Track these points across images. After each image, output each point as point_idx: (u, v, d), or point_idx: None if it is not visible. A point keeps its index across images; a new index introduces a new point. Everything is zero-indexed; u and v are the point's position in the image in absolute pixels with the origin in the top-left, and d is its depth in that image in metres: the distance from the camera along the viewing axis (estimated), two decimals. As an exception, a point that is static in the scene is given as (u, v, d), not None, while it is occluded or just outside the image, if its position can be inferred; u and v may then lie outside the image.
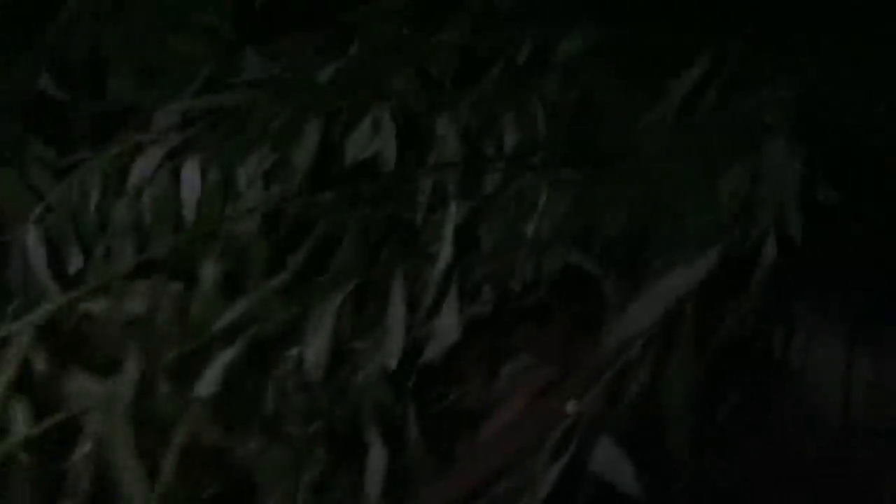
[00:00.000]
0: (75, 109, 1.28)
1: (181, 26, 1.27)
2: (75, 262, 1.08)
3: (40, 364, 0.92)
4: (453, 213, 1.07)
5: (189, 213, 1.07)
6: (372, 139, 1.12)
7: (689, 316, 1.08)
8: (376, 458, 1.07)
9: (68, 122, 1.29)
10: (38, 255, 1.06)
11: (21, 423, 0.88)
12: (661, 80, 1.19)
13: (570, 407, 1.14)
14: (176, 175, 1.09)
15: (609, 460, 1.09)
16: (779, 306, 1.16)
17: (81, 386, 0.93)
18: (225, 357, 0.94)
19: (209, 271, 0.98)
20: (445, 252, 1.07)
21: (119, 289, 0.96)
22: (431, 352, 1.07)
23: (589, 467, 1.10)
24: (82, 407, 0.92)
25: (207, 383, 0.94)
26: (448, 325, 1.07)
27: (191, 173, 1.09)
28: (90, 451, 0.90)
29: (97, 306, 0.95)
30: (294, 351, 1.00)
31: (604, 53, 1.21)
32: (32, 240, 1.07)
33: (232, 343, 0.95)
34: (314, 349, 1.01)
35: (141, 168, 1.08)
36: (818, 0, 1.16)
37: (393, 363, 1.06)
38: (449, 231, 1.07)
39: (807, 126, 1.12)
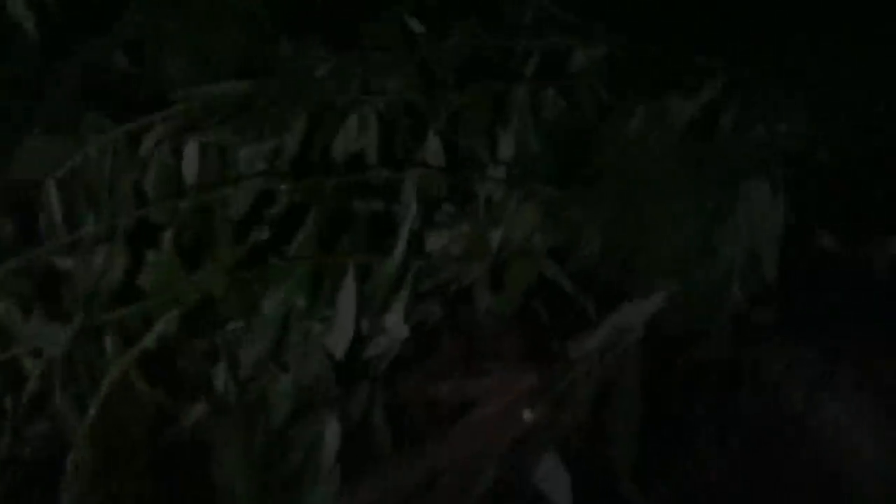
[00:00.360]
0: (137, 86, 1.43)
1: (233, 14, 1.38)
2: (89, 222, 1.21)
3: (4, 308, 1.05)
4: (412, 212, 1.09)
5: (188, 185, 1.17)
6: (357, 136, 1.16)
7: (636, 347, 1.04)
8: (331, 433, 1.12)
9: (130, 98, 1.44)
10: (55, 212, 1.20)
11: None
12: (665, 102, 1.14)
13: (526, 416, 1.15)
14: (178, 152, 1.19)
15: (548, 471, 1.08)
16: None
17: (40, 331, 1.05)
18: (168, 319, 1.03)
19: (169, 240, 1.07)
20: (399, 251, 1.09)
21: (85, 248, 1.08)
22: (377, 347, 1.10)
23: (530, 476, 1.10)
24: (33, 348, 1.05)
25: (148, 341, 1.03)
26: (395, 322, 1.09)
27: (191, 152, 1.19)
28: (32, 388, 1.03)
29: (66, 263, 1.07)
30: (240, 324, 1.07)
31: (612, 69, 1.18)
32: (53, 198, 1.21)
33: (179, 307, 1.03)
34: (264, 324, 1.08)
35: (147, 144, 1.19)
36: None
37: (339, 352, 1.10)
38: (405, 230, 1.09)
39: (801, 171, 1.04)
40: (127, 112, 1.37)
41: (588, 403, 1.05)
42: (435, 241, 1.12)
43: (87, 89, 1.43)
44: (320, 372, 1.12)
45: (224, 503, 1.10)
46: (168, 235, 1.07)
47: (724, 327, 1.02)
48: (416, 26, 1.23)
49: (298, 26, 1.33)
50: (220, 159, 1.19)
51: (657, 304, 1.02)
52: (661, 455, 1.12)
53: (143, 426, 1.04)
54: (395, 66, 1.18)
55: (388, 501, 1.19)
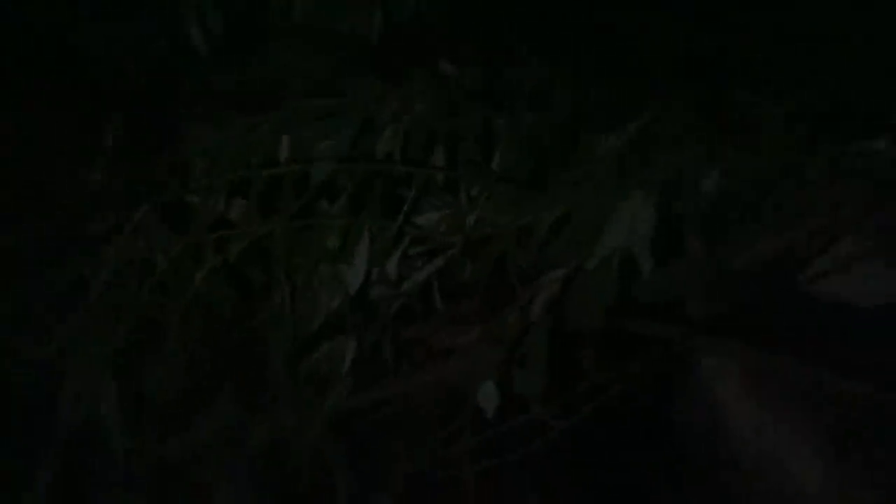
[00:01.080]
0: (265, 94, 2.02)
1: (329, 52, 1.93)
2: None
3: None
4: (410, 197, 1.59)
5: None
6: (390, 140, 1.68)
7: (548, 306, 1.48)
8: (349, 346, 1.63)
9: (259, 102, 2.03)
10: (198, 175, 1.80)
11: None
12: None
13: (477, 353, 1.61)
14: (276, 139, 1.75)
15: (484, 392, 1.56)
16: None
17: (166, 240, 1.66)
18: (235, 248, 1.58)
19: (254, 195, 1.63)
20: (398, 222, 1.59)
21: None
22: (381, 290, 1.60)
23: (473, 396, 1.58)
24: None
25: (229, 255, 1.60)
26: (392, 269, 1.59)
27: (284, 143, 1.74)
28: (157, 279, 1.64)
29: (193, 199, 1.67)
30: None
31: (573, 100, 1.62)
32: (197, 166, 1.81)
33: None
34: (306, 259, 1.61)
35: (259, 135, 1.76)
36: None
37: (353, 288, 1.61)
38: (404, 208, 1.59)
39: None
40: (257, 111, 1.97)
41: (511, 344, 1.50)
42: (428, 218, 1.61)
43: (233, 93, 2.05)
44: (342, 301, 1.64)
45: (272, 390, 1.64)
46: (253, 191, 1.63)
47: (608, 303, 1.44)
48: (448, 69, 1.73)
49: (368, 64, 1.87)
50: (302, 149, 1.75)
51: (560, 276, 1.46)
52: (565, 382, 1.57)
53: (220, 315, 1.60)
54: (423, 96, 1.68)
55: (386, 404, 1.70)
